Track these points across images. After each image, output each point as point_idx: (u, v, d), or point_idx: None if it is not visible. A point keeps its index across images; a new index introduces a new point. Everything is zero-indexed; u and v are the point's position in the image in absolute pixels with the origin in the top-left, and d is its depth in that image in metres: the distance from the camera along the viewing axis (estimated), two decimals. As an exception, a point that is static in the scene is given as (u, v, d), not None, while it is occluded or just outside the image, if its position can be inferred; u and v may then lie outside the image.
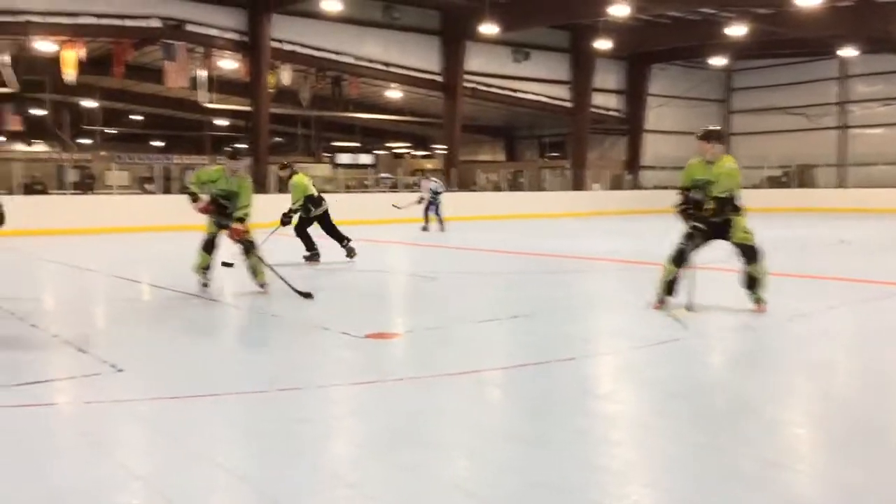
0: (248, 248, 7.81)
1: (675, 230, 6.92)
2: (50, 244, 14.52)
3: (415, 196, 18.69)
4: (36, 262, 12.16)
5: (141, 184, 25.77)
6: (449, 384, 4.56)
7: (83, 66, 22.21)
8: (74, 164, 25.75)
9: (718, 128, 7.03)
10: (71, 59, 21.56)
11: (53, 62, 22.11)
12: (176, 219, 18.23)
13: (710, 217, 6.44)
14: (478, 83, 28.33)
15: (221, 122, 35.97)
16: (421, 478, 3.12)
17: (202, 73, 24.76)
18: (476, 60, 27.88)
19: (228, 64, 24.84)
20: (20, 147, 31.28)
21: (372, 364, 5.14)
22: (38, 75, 23.84)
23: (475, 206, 24.81)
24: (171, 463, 3.32)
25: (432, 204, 18.02)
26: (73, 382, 4.70)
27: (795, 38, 26.20)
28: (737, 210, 6.54)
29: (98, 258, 12.37)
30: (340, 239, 11.18)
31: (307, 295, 7.35)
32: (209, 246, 8.01)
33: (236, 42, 23.44)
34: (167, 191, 22.85)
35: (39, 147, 32.56)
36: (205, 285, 8.02)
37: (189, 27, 22.52)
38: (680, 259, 6.64)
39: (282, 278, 7.59)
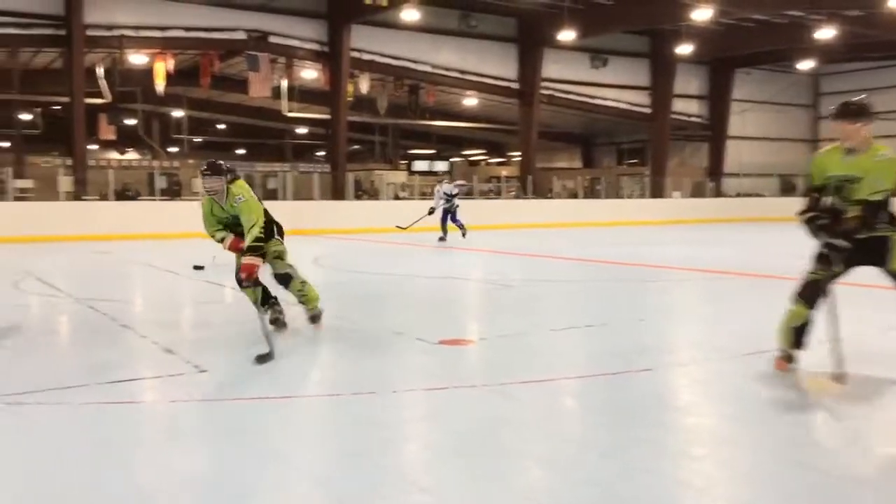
0: (284, 280, 6.18)
1: (762, 240, 6.65)
2: (141, 248, 15.12)
3: (424, 210, 16.64)
4: (127, 266, 12.65)
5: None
6: (523, 392, 4.52)
7: (172, 78, 23.11)
8: (163, 172, 26.79)
9: (863, 99, 4.83)
10: (161, 71, 22.49)
11: (144, 74, 23.08)
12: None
13: (853, 231, 4.44)
14: (555, 90, 28.16)
15: (302, 130, 36.81)
16: (494, 486, 3.10)
17: (284, 83, 25.41)
18: (553, 67, 27.72)
19: (309, 73, 25.42)
20: (114, 155, 32.74)
21: (446, 370, 5.15)
22: (130, 86, 24.91)
23: (551, 213, 24.65)
24: (249, 462, 3.39)
25: (448, 211, 16.11)
26: (158, 381, 4.86)
27: (888, 41, 25.09)
28: (894, 222, 4.53)
29: (185, 262, 12.80)
30: None
31: (263, 357, 5.14)
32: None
33: (317, 52, 23.96)
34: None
35: (131, 155, 34.02)
36: (274, 321, 6.28)
37: (272, 38, 23.17)
38: (811, 294, 4.57)
39: (263, 325, 5.69)
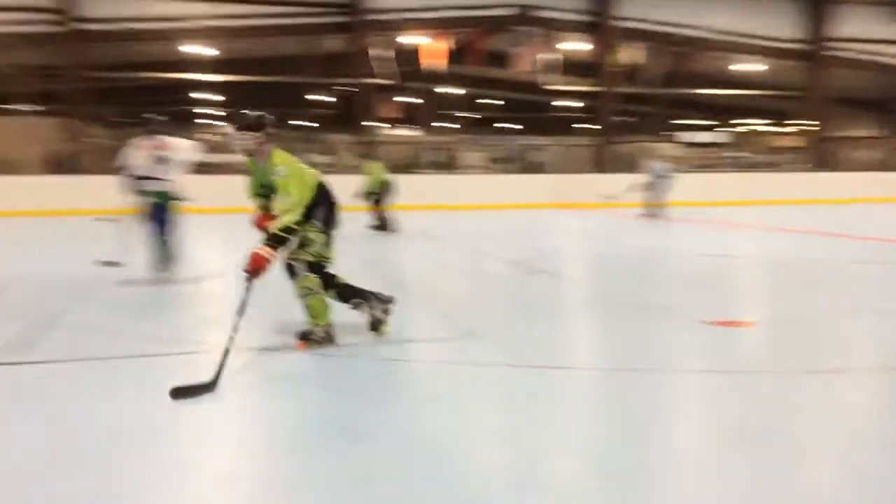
0: (289, 271, 4.80)
1: None
2: (418, 218, 16.11)
3: (629, 183, 15.62)
4: (407, 234, 13.49)
5: (494, 163, 27.47)
6: (809, 381, 4.16)
7: (445, 56, 24.25)
8: (438, 147, 28.33)
9: None
10: (437, 50, 23.71)
11: (420, 54, 24.45)
12: (524, 197, 19.19)
13: None
14: (848, 49, 25.29)
15: (567, 103, 36.76)
16: (775, 478, 2.89)
17: (550, 56, 25.52)
18: (846, 25, 24.89)
19: (575, 45, 25.28)
20: (394, 132, 35.15)
21: (720, 352, 4.88)
22: (408, 67, 26.54)
23: (844, 187, 22.25)
24: (518, 425, 3.49)
25: (657, 189, 15.32)
26: (435, 344, 5.16)
27: None
28: None
29: (458, 232, 13.45)
30: None
31: (188, 390, 3.83)
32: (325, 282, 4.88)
33: (583, 23, 23.76)
34: (517, 170, 24.11)
35: (409, 131, 36.30)
36: (375, 325, 5.09)
37: (538, 12, 23.36)
38: None
39: (229, 341, 4.19)
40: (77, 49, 20.20)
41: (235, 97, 29.71)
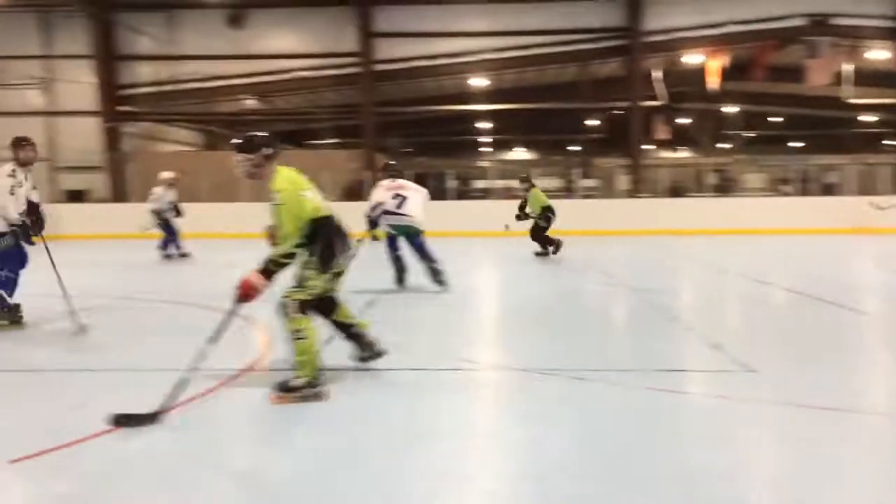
0: (279, 308, 4.28)
1: None
2: (691, 243, 15.54)
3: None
4: (679, 260, 13.11)
5: (776, 185, 25.62)
6: None
7: (724, 73, 23.16)
8: (714, 168, 27.04)
9: None
10: (714, 68, 22.72)
11: (698, 72, 23.59)
12: (814, 221, 17.65)
13: None
14: None
15: (868, 117, 33.19)
16: None
17: (847, 67, 23.29)
18: None
19: (878, 54, 22.82)
20: (667, 154, 34.19)
21: None
22: (683, 86, 25.71)
23: None
24: (797, 473, 3.26)
25: None
26: (704, 376, 4.97)
27: None
28: None
29: (734, 259, 12.75)
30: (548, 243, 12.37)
31: (131, 419, 3.74)
32: (323, 309, 4.59)
33: (887, 29, 21.39)
34: (804, 193, 22.22)
35: (683, 153, 35.08)
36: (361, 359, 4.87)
37: (834, 20, 21.45)
38: None
39: (195, 361, 4.14)
40: (372, 87, 22.37)
41: (510, 125, 30.94)
